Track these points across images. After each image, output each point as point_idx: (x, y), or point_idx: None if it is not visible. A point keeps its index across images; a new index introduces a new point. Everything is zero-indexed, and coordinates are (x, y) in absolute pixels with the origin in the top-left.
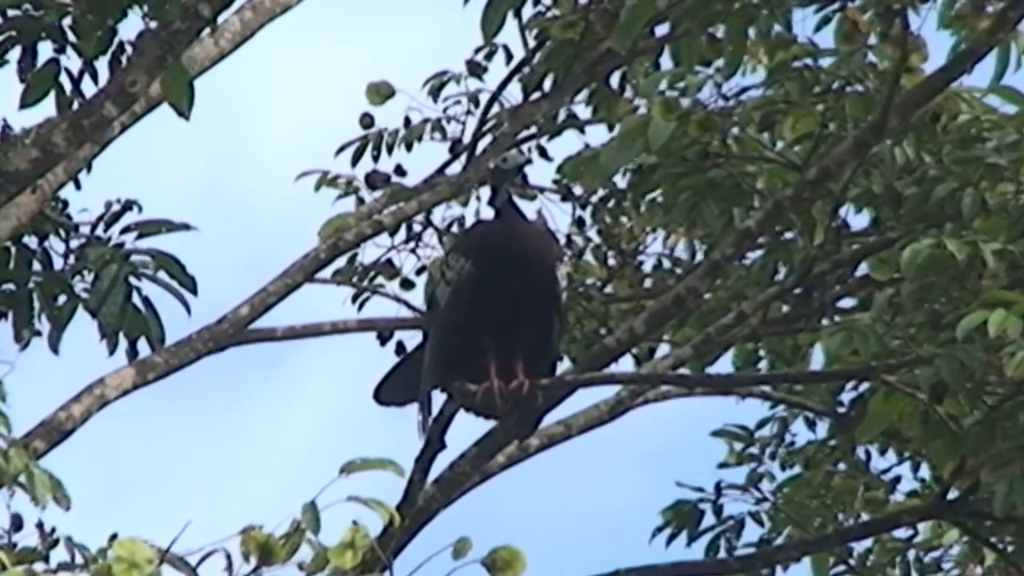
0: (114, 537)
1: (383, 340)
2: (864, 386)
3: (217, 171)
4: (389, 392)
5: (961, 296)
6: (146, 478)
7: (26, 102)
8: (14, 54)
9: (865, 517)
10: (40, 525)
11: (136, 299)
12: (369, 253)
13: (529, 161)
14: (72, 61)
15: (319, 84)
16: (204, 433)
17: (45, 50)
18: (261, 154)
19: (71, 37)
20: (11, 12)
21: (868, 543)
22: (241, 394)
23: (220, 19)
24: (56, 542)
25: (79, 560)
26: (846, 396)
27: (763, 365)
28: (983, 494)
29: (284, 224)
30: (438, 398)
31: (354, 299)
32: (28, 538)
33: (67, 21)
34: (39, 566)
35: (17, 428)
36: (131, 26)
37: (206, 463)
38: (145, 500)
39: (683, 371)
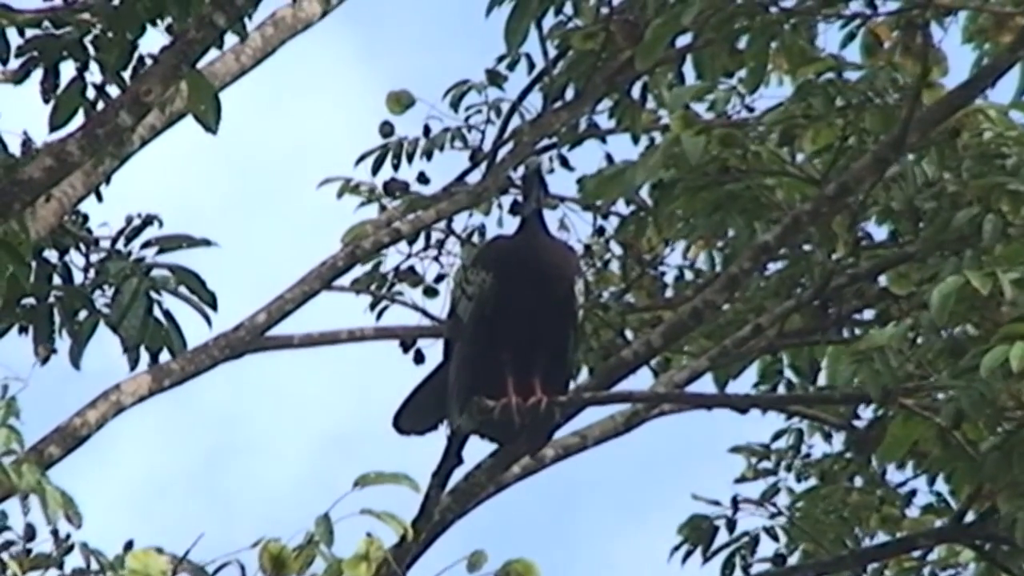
0: (129, 545)
1: (405, 348)
2: None
3: None
4: (409, 419)
5: (980, 324)
6: None
7: (56, 123)
8: (36, 73)
9: (881, 535)
10: (55, 532)
11: (157, 312)
12: (393, 262)
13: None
14: (96, 76)
15: None
16: None
17: (67, 69)
18: None
19: (92, 52)
20: (30, 32)
21: None
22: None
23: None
24: (71, 548)
25: (94, 566)
26: (864, 411)
27: (784, 377)
28: (1002, 521)
29: None
30: None
31: (372, 307)
32: (42, 544)
33: (88, 37)
34: (53, 572)
35: (32, 434)
36: (152, 39)
37: None
38: None
39: (701, 389)
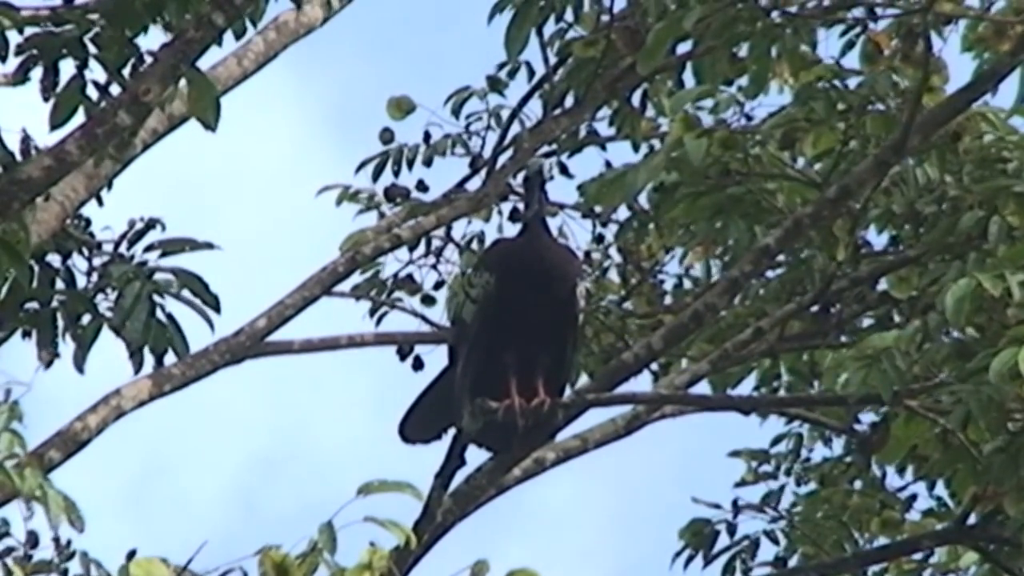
0: (132, 554)
1: (403, 355)
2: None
3: None
4: (415, 428)
5: (988, 325)
6: None
7: (56, 122)
8: (36, 72)
9: (881, 539)
10: (56, 538)
11: (160, 315)
12: (392, 268)
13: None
14: (96, 74)
15: None
16: None
17: (66, 67)
18: None
19: (92, 50)
20: (30, 30)
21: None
22: None
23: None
24: (72, 555)
25: (94, 574)
26: (865, 415)
27: (782, 382)
28: (1008, 523)
29: None
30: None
31: (372, 313)
32: (44, 551)
33: (87, 35)
34: None
35: (34, 439)
36: (152, 37)
37: None
38: None
39: (704, 391)
